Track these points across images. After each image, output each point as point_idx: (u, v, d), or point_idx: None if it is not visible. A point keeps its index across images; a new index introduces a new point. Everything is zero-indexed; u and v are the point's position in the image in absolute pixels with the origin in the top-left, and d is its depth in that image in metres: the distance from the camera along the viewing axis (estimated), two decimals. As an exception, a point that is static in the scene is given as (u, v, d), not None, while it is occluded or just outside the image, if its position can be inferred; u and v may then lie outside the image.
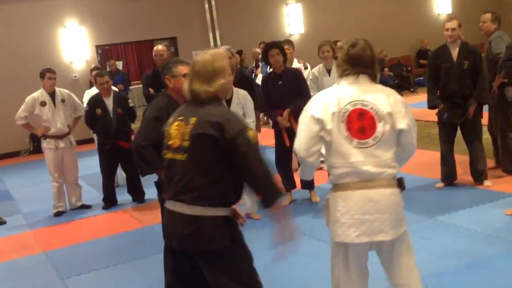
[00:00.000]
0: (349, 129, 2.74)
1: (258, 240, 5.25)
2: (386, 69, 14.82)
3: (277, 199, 2.82)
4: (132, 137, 5.70)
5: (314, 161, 2.84)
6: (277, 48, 5.94)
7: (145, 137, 3.60)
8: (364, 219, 2.74)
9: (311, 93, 6.40)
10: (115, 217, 6.71)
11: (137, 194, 7.08)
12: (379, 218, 2.75)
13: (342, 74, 2.87)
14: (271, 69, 6.25)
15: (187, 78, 2.90)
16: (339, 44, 3.01)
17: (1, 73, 11.96)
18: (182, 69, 3.69)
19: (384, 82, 13.88)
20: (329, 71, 6.70)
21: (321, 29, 14.11)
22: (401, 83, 15.16)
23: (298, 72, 6.29)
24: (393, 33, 15.48)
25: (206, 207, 2.73)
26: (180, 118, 2.84)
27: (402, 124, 2.80)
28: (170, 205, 2.85)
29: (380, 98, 2.80)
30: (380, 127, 2.75)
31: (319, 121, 2.76)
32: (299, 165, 3.11)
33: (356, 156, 2.74)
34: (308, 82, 6.84)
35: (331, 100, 2.78)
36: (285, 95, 5.94)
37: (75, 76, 12.70)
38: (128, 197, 7.16)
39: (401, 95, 3.38)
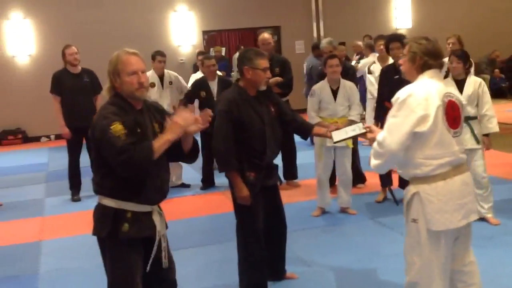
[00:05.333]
0: (447, 120, 2.92)
1: (353, 236, 5.28)
2: (496, 70, 13.85)
3: None
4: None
5: (401, 156, 2.93)
6: (398, 41, 5.71)
7: (223, 138, 3.78)
8: (463, 203, 2.93)
9: None
10: (212, 198, 6.91)
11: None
12: (471, 199, 3.00)
13: (424, 68, 3.01)
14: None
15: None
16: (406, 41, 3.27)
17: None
18: (263, 62, 3.72)
19: (494, 84, 13.17)
20: None
21: (429, 24, 13.68)
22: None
23: None
24: (505, 30, 14.61)
25: (99, 195, 2.97)
26: None
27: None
28: None
29: (455, 90, 3.11)
30: (463, 116, 3.03)
31: (422, 117, 2.85)
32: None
33: (454, 145, 2.94)
34: None
35: (430, 94, 2.90)
36: (398, 89, 5.80)
37: (181, 60, 13.14)
38: (226, 180, 7.31)
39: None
